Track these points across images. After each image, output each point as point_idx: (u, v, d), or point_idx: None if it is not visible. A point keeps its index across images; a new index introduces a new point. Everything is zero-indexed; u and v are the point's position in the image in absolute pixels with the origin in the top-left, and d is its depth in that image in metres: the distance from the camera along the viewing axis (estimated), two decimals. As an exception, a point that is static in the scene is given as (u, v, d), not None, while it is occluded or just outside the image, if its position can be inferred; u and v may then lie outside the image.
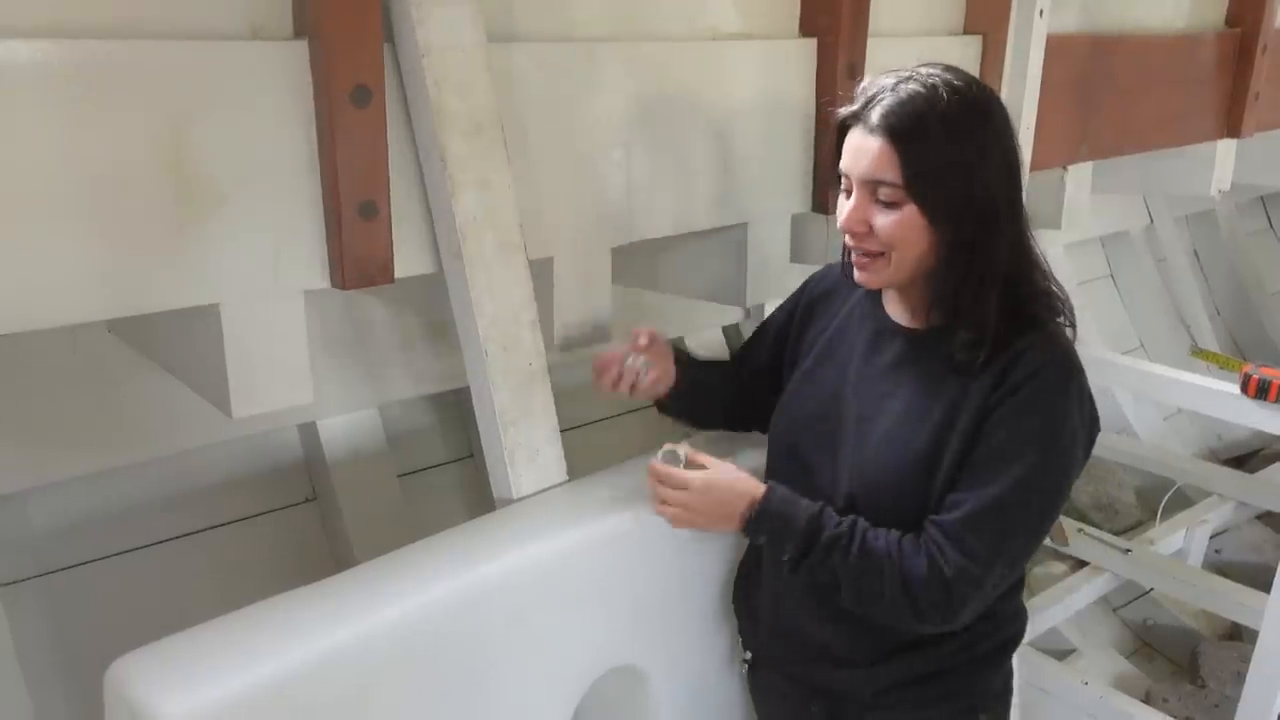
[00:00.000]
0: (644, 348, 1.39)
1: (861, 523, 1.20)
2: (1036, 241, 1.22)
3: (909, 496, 1.20)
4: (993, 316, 1.16)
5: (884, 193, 1.15)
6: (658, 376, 1.41)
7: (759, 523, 1.23)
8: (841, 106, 1.21)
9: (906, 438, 1.20)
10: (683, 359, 1.47)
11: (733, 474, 1.26)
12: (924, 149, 1.13)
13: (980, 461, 1.16)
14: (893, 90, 1.15)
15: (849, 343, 1.32)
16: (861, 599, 1.20)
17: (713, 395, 1.52)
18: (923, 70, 1.16)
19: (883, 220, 1.16)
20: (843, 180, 1.20)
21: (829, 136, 1.24)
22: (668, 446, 1.31)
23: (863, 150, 1.16)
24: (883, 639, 1.26)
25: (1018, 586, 1.33)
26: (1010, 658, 1.35)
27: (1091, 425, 1.20)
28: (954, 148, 1.13)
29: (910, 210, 1.15)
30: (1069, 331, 1.22)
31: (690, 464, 1.28)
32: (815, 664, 1.33)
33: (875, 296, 1.32)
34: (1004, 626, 1.32)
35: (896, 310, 1.29)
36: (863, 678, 1.29)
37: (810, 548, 1.20)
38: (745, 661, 1.45)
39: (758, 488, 1.25)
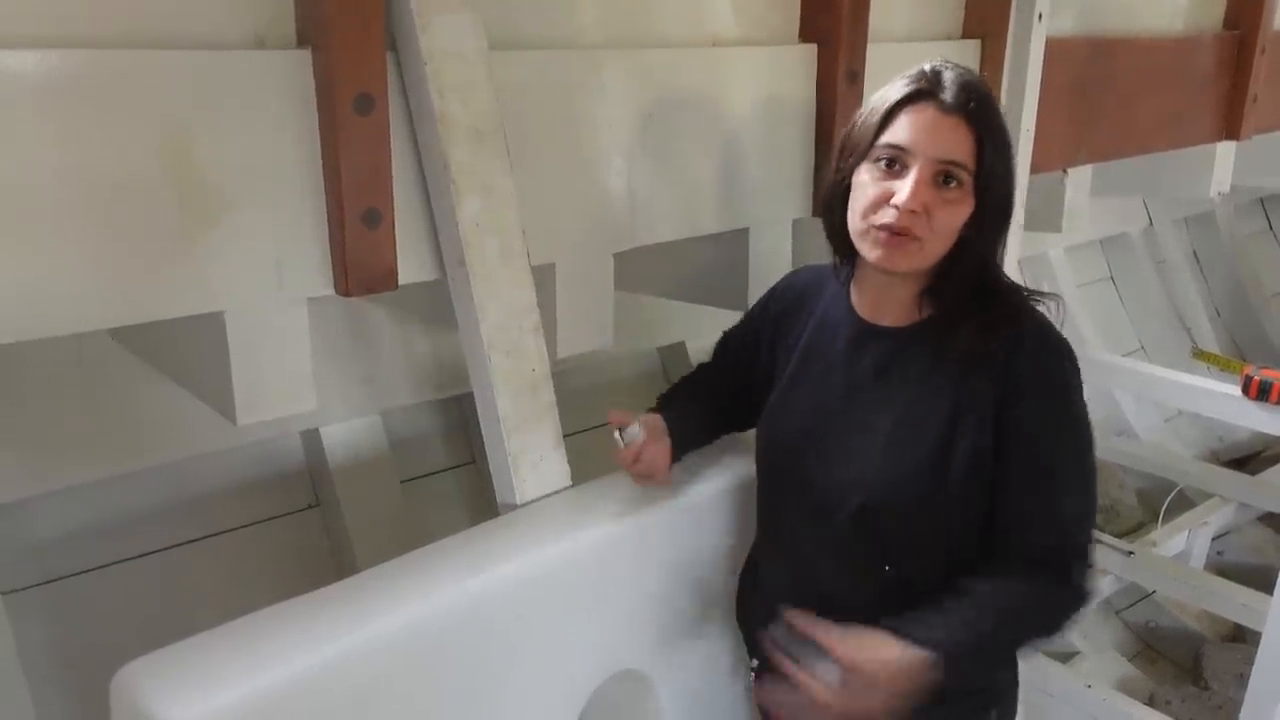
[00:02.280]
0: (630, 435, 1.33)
1: (996, 592, 1.14)
2: None
3: (928, 496, 1.18)
4: (998, 314, 1.18)
5: (956, 174, 1.12)
6: (655, 452, 1.34)
7: (951, 675, 1.09)
8: (907, 86, 1.15)
9: (917, 438, 1.19)
10: (671, 428, 1.38)
11: (884, 647, 1.09)
12: (997, 139, 1.13)
13: (1033, 466, 1.16)
14: (957, 75, 1.13)
15: (826, 351, 1.29)
16: (1028, 644, 1.21)
17: (706, 435, 1.47)
18: (959, 64, 1.17)
19: (941, 204, 1.13)
20: (884, 154, 1.14)
21: (873, 115, 1.17)
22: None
23: (940, 128, 1.11)
24: None
25: None
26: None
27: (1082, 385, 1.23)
28: (1009, 142, 1.15)
29: (968, 198, 1.13)
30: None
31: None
32: None
33: (844, 299, 1.30)
34: None
35: (872, 310, 1.27)
36: None
37: (984, 646, 1.15)
38: (752, 669, 1.45)
39: (911, 649, 1.08)
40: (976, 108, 1.12)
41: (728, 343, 1.49)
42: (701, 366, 1.54)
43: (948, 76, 1.13)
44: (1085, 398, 1.20)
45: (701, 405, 1.47)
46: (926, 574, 1.19)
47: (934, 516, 1.19)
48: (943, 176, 1.12)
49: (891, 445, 1.21)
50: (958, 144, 1.11)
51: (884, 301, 1.25)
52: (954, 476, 1.17)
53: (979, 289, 1.20)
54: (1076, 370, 1.19)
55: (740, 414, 1.45)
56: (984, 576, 1.17)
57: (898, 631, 1.10)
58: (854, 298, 1.29)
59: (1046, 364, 1.17)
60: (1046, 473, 1.16)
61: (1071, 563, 1.17)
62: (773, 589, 1.36)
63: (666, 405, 1.45)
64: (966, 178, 1.12)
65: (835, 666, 1.08)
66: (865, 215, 1.16)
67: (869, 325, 1.26)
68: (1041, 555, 1.17)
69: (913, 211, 1.12)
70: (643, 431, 1.33)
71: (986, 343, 1.17)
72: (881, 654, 1.08)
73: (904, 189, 1.12)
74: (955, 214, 1.14)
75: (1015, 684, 1.37)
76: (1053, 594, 1.17)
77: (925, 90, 1.13)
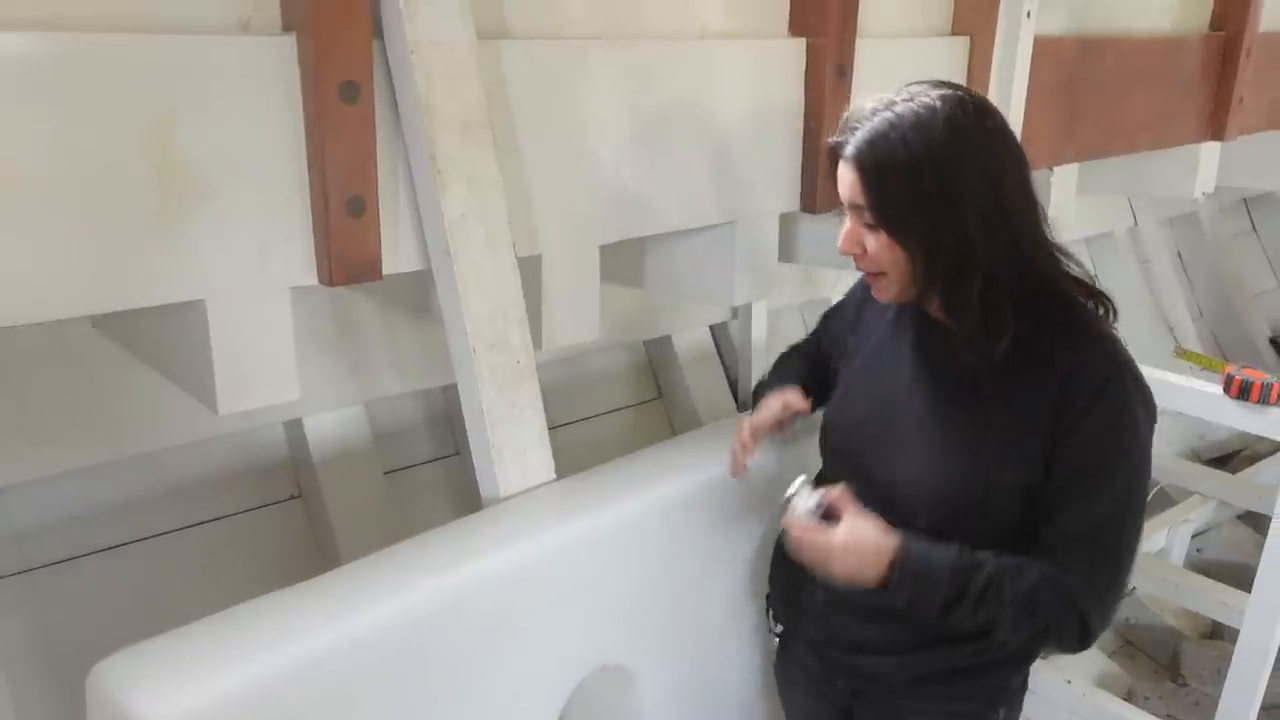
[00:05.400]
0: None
1: (1002, 563, 1.17)
2: (1048, 231, 1.21)
3: (972, 508, 1.21)
4: (994, 320, 1.16)
5: (866, 217, 1.19)
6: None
7: (900, 585, 1.18)
8: (833, 138, 1.22)
9: (969, 448, 1.21)
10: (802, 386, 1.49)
11: (870, 532, 1.20)
12: (885, 181, 1.15)
13: (1075, 484, 1.17)
14: (869, 118, 1.17)
15: (897, 344, 1.33)
16: (1015, 634, 1.20)
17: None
18: (907, 91, 1.17)
19: (870, 243, 1.20)
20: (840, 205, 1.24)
21: (822, 157, 1.28)
22: (801, 483, 1.27)
23: (843, 179, 1.20)
24: (920, 633, 1.27)
25: None
26: (1032, 660, 1.36)
27: (1151, 415, 1.21)
28: (918, 179, 1.13)
29: (884, 235, 1.18)
30: (1105, 315, 1.22)
31: (826, 507, 1.24)
32: (850, 650, 1.34)
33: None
34: None
35: (936, 309, 1.27)
36: (895, 665, 1.31)
37: (959, 598, 1.16)
38: (775, 634, 1.47)
39: (893, 545, 1.19)
40: (858, 155, 1.16)
41: (828, 319, 1.55)
42: (799, 346, 1.62)
43: (857, 121, 1.17)
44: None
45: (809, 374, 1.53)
46: None
47: (979, 524, 1.21)
48: (864, 218, 1.19)
49: (944, 452, 1.22)
50: (853, 188, 1.18)
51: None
52: (1001, 487, 1.19)
53: (979, 305, 1.17)
54: (1135, 398, 1.17)
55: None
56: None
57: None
58: None
59: (1109, 400, 1.16)
60: (1080, 480, 1.17)
61: (1088, 560, 1.17)
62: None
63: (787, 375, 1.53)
64: (869, 217, 1.18)
65: (814, 505, 1.25)
66: None
67: (936, 321, 1.26)
68: (1052, 546, 1.18)
69: (848, 253, 1.23)
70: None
71: (979, 359, 1.17)
72: (866, 518, 1.21)
73: (839, 236, 1.23)
74: (880, 247, 1.19)
75: (1024, 687, 1.39)
76: (1051, 582, 1.16)
77: (840, 142, 1.20)
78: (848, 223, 1.22)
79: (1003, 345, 1.16)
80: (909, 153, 1.13)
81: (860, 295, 1.44)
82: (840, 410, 1.39)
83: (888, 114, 1.15)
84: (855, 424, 1.34)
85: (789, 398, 1.46)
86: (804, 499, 1.25)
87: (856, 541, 1.20)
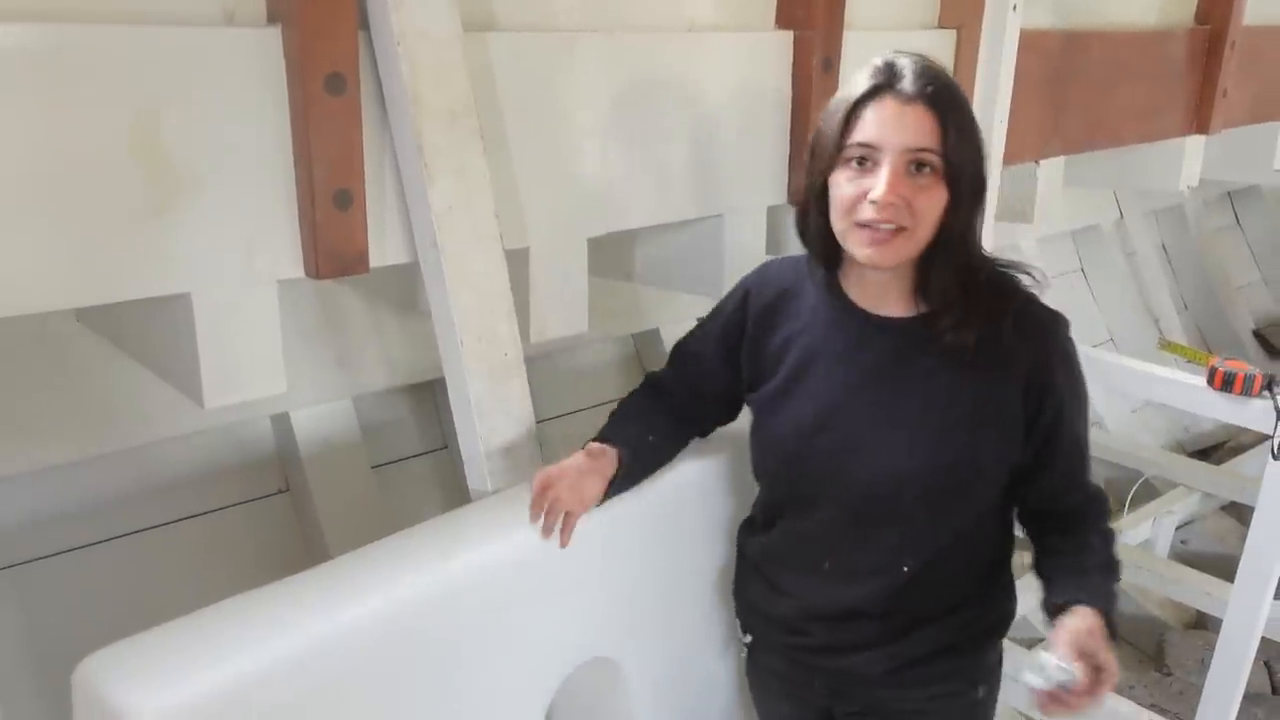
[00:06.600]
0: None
1: (1099, 554, 1.28)
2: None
3: (963, 487, 1.21)
4: (983, 300, 1.19)
5: (926, 160, 1.12)
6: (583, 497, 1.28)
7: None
8: (866, 82, 1.15)
9: (947, 430, 1.19)
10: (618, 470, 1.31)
11: (1100, 642, 1.14)
12: (960, 120, 1.13)
13: (1068, 439, 1.26)
14: (913, 64, 1.14)
15: (826, 346, 1.26)
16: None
17: (660, 460, 1.41)
18: (914, 54, 1.18)
19: (918, 192, 1.13)
20: (855, 153, 1.14)
21: (836, 116, 1.17)
22: (1039, 667, 1.11)
23: (903, 119, 1.12)
24: (893, 626, 1.27)
25: (1008, 565, 1.37)
26: (1005, 633, 1.37)
27: None
28: (973, 123, 1.17)
29: (941, 183, 1.13)
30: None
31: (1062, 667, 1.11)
32: (826, 653, 1.33)
33: (836, 291, 1.27)
34: (999, 603, 1.35)
35: (873, 301, 1.24)
36: (872, 659, 1.30)
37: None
38: (745, 645, 1.45)
39: (1089, 611, 1.17)
40: (935, 92, 1.12)
41: (688, 347, 1.40)
42: (655, 381, 1.43)
43: (904, 66, 1.14)
44: None
45: (659, 430, 1.38)
46: (936, 574, 1.22)
47: (965, 505, 1.22)
48: (914, 165, 1.12)
49: (922, 437, 1.20)
50: (922, 131, 1.12)
51: (885, 293, 1.23)
52: (986, 465, 1.20)
53: (965, 277, 1.19)
54: (1072, 338, 1.27)
55: (705, 421, 1.44)
56: (1071, 535, 1.29)
57: (1079, 602, 1.19)
58: (849, 290, 1.26)
59: (1058, 345, 1.24)
60: (1075, 441, 1.27)
61: (1102, 509, 1.32)
62: (780, 580, 1.35)
63: (618, 434, 1.34)
64: (937, 162, 1.12)
65: (1067, 666, 1.11)
66: (846, 215, 1.16)
67: (873, 316, 1.24)
68: (1082, 509, 1.30)
69: (891, 204, 1.11)
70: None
71: (966, 339, 1.18)
72: (1089, 624, 1.16)
73: (879, 184, 1.12)
74: (933, 200, 1.13)
75: (1001, 663, 1.39)
76: (1109, 536, 1.31)
77: (883, 84, 1.14)
78: (890, 169, 1.11)
79: (1009, 319, 1.19)
80: (963, 98, 1.18)
81: (757, 305, 1.32)
82: (778, 426, 1.28)
83: (928, 63, 1.16)
84: (806, 434, 1.25)
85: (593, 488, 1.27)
86: (1054, 672, 1.10)
87: (1107, 658, 1.12)
